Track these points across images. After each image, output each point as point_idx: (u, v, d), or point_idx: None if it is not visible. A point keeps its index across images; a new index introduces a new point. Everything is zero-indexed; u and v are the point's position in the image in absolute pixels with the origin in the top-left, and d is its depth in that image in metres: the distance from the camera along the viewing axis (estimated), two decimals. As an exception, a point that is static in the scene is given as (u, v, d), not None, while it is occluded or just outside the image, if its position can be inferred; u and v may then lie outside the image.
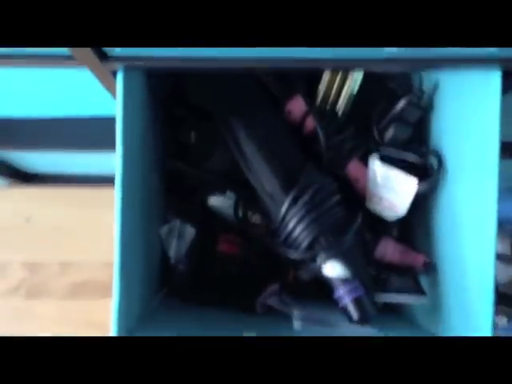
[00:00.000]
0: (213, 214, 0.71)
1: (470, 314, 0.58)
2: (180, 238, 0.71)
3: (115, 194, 0.54)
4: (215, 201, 0.71)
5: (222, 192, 0.71)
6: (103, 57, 0.50)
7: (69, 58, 0.49)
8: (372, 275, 0.67)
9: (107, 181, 1.19)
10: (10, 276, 1.13)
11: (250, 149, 0.62)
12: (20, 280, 1.13)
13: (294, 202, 0.60)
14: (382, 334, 0.59)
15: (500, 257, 0.87)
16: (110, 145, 0.68)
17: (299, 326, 0.63)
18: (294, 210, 0.60)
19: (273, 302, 0.68)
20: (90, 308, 1.08)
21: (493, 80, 0.55)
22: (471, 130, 0.59)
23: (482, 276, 0.56)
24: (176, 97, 0.68)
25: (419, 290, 0.68)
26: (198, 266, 0.71)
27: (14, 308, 1.11)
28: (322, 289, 0.66)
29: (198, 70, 0.56)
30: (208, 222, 0.71)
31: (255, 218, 0.70)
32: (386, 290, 0.68)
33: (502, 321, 0.90)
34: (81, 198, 1.23)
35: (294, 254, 0.61)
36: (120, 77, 0.54)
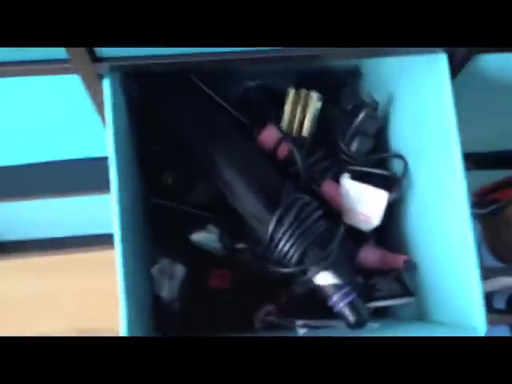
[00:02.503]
0: (199, 249, 0.73)
1: (458, 308, 0.61)
2: (171, 277, 0.72)
3: (114, 220, 0.57)
4: (198, 236, 0.72)
5: (203, 227, 0.73)
6: (94, 58, 0.54)
7: (62, 61, 0.54)
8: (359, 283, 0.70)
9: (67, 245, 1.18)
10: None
11: (230, 176, 0.65)
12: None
13: (280, 220, 0.62)
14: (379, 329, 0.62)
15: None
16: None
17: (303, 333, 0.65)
18: (281, 229, 0.62)
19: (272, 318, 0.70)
20: None
21: (440, 63, 0.61)
22: (430, 125, 0.65)
23: (463, 264, 0.59)
24: (152, 133, 0.71)
25: (406, 291, 0.72)
26: (190, 302, 0.72)
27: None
28: (314, 307, 0.69)
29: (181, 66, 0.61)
30: (196, 257, 0.73)
31: (241, 246, 0.72)
32: (374, 297, 0.72)
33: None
34: (40, 266, 1.20)
35: (285, 270, 0.63)
36: (107, 79, 0.58)
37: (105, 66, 0.55)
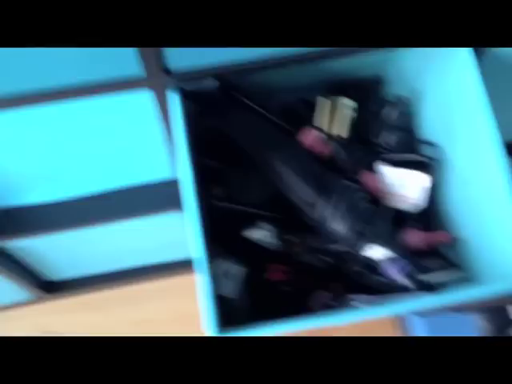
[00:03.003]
0: (255, 245, 0.78)
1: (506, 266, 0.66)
2: (231, 276, 0.77)
3: (194, 234, 0.63)
4: (254, 234, 0.78)
5: (258, 225, 0.79)
6: (167, 71, 0.61)
7: (136, 79, 0.60)
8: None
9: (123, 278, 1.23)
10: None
11: (286, 173, 0.74)
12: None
13: (336, 206, 0.70)
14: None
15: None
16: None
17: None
18: (337, 213, 0.70)
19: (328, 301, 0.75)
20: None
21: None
22: (461, 111, 0.71)
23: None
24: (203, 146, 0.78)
25: (452, 266, 0.76)
26: (250, 294, 0.77)
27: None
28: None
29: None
30: (253, 253, 0.78)
31: (293, 239, 0.78)
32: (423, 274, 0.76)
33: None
34: (98, 302, 1.25)
35: (344, 248, 0.70)
36: (175, 92, 0.65)
37: (174, 79, 0.63)
